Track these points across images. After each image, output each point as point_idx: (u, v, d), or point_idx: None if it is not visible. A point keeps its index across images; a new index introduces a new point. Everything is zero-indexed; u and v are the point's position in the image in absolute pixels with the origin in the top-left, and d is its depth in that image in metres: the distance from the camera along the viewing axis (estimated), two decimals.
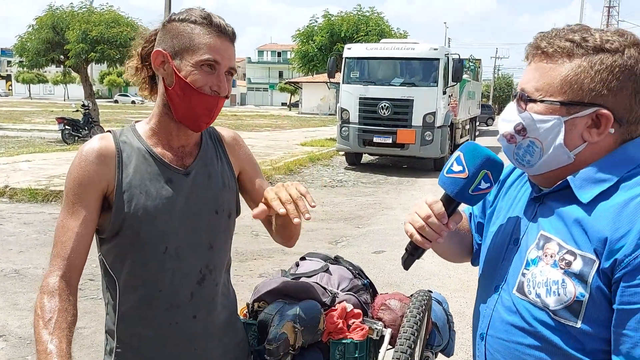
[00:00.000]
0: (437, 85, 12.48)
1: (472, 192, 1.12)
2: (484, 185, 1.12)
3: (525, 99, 1.09)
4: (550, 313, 1.03)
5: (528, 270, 1.08)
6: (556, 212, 1.08)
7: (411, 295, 1.78)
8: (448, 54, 13.05)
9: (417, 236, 1.16)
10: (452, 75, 12.78)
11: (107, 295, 1.44)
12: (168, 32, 1.36)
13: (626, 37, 1.04)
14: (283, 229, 1.48)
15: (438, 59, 12.51)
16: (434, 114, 12.43)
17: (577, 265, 1.01)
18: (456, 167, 1.13)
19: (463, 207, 1.28)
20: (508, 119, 1.13)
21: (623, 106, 1.03)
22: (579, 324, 1.01)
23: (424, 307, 1.63)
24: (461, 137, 16.02)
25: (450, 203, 1.16)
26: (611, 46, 1.02)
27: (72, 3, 19.22)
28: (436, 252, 1.39)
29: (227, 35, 1.36)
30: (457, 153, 1.15)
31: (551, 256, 1.05)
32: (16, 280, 5.01)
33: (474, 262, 1.42)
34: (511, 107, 1.13)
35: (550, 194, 1.12)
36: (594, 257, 0.99)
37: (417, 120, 12.46)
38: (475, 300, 1.27)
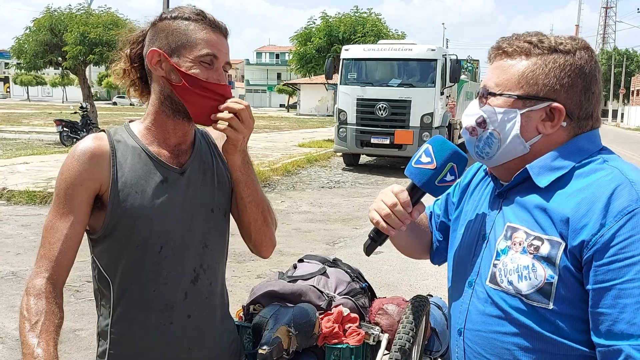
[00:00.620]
0: (434, 86, 12.48)
1: (438, 183, 1.20)
2: (449, 177, 1.21)
3: (485, 94, 1.18)
4: (523, 298, 1.09)
5: (499, 260, 1.15)
6: (519, 203, 1.16)
7: (409, 300, 1.77)
8: (446, 54, 13.06)
9: (383, 223, 1.24)
10: (450, 76, 12.80)
11: (100, 297, 1.43)
12: (161, 31, 1.36)
13: (577, 41, 1.16)
14: (249, 233, 1.50)
15: (436, 60, 12.52)
16: (431, 114, 12.43)
17: (545, 249, 1.07)
18: (425, 159, 1.21)
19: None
20: (471, 113, 1.22)
21: (574, 102, 1.13)
22: (550, 306, 1.06)
23: (420, 313, 1.62)
24: (459, 137, 16.03)
25: (415, 193, 1.23)
26: (564, 48, 1.13)
27: (70, 5, 19.21)
28: (396, 247, 1.47)
29: (220, 30, 1.37)
30: (425, 145, 1.23)
31: (519, 244, 1.11)
32: (13, 282, 5.00)
33: (434, 260, 1.50)
34: (474, 103, 1.23)
35: (513, 188, 1.19)
36: (559, 239, 1.06)
37: (414, 121, 12.47)
38: (449, 300, 1.33)
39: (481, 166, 1.39)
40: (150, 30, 1.39)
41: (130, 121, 1.47)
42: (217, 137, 1.53)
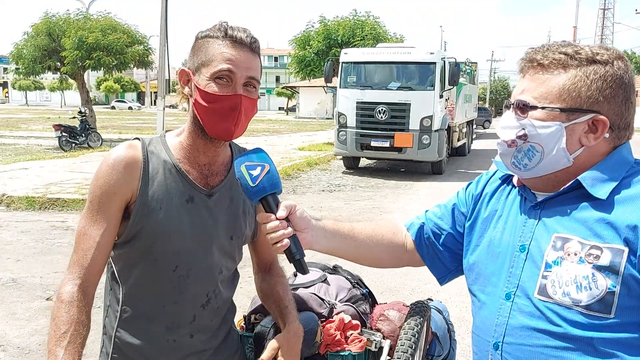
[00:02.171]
0: (434, 89, 12.50)
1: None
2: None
3: (525, 107, 1.16)
4: (583, 309, 1.07)
5: (550, 271, 1.12)
6: (567, 213, 1.14)
7: (410, 305, 1.77)
8: (444, 57, 13.08)
9: (276, 246, 1.23)
10: (449, 78, 12.83)
11: (110, 299, 1.44)
12: (193, 50, 1.36)
13: (612, 51, 1.15)
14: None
15: (434, 63, 12.54)
16: (431, 117, 12.45)
17: (605, 258, 1.06)
18: (255, 172, 1.23)
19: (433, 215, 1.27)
20: (508, 126, 1.20)
21: (615, 113, 1.13)
22: (612, 315, 1.05)
23: (422, 318, 1.62)
24: (458, 140, 16.04)
25: (264, 205, 1.25)
26: (602, 58, 1.13)
27: (68, 9, 19.22)
28: (345, 258, 1.44)
29: (243, 44, 1.32)
30: (241, 168, 1.24)
31: (575, 254, 1.09)
32: (14, 289, 4.99)
33: (439, 273, 1.45)
34: (509, 115, 1.20)
35: (555, 198, 1.17)
36: (622, 247, 1.05)
37: (414, 124, 12.48)
38: (478, 311, 1.28)
39: (493, 175, 1.37)
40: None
41: (167, 131, 1.46)
42: None
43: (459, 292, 5.08)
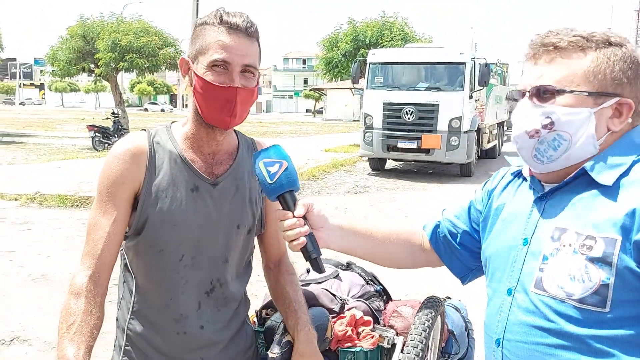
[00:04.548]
0: (463, 90, 12.33)
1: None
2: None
3: (547, 93, 1.08)
4: (576, 303, 1.02)
5: (546, 263, 1.07)
6: (569, 203, 1.09)
7: (422, 301, 1.74)
8: (474, 58, 12.90)
9: (292, 244, 1.22)
10: (479, 79, 12.63)
11: (123, 291, 1.45)
12: (192, 38, 1.36)
13: (617, 34, 1.11)
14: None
15: (464, 63, 12.37)
16: (460, 118, 12.27)
17: (598, 249, 1.00)
18: (273, 169, 1.21)
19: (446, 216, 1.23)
20: (528, 115, 1.11)
21: (636, 95, 1.08)
22: (607, 309, 0.99)
23: (434, 313, 1.58)
24: (488, 142, 15.79)
25: (282, 202, 1.24)
26: (615, 40, 1.08)
27: (102, 13, 19.68)
28: (380, 263, 1.43)
29: (240, 31, 1.30)
30: (259, 165, 1.23)
31: (570, 245, 1.04)
32: (43, 284, 5.11)
33: (461, 274, 1.43)
34: (526, 104, 1.12)
35: (562, 188, 1.12)
36: (616, 235, 0.99)
37: (442, 125, 12.32)
38: (486, 307, 1.25)
39: (508, 171, 1.32)
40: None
41: (173, 122, 1.47)
42: None
43: (482, 292, 4.99)
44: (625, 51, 1.07)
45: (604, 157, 1.08)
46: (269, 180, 1.21)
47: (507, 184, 1.30)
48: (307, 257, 1.23)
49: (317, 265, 1.24)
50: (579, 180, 1.10)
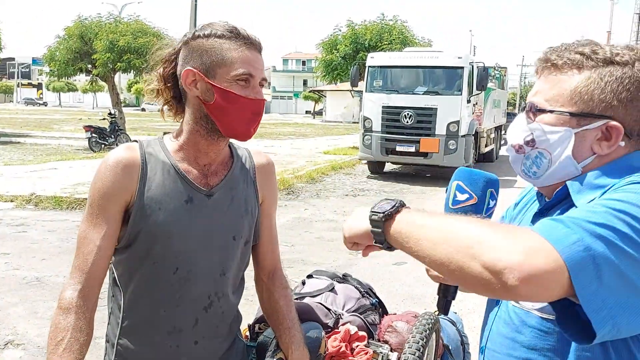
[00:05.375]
0: (461, 94, 12.35)
1: (485, 213, 1.12)
2: (492, 203, 1.14)
3: (534, 110, 1.10)
4: (538, 312, 1.04)
5: None
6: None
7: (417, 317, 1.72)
8: (472, 62, 12.92)
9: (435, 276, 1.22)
10: (477, 83, 12.65)
11: (112, 305, 1.43)
12: (194, 50, 1.33)
13: (636, 51, 1.05)
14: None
15: (462, 68, 12.39)
16: (458, 122, 12.29)
17: None
18: (461, 197, 1.12)
19: None
20: (517, 129, 1.14)
21: (633, 118, 1.03)
22: None
23: (428, 331, 1.56)
24: (486, 145, 15.80)
25: None
26: (621, 59, 1.03)
27: (99, 13, 19.67)
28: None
29: (255, 46, 1.34)
30: (455, 182, 1.14)
31: None
32: (37, 288, 5.07)
33: None
34: (520, 118, 1.14)
35: (555, 205, 1.11)
36: None
37: (440, 128, 12.34)
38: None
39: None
40: (183, 49, 1.35)
41: (165, 133, 1.45)
42: (262, 166, 1.51)
43: (483, 302, 4.98)
44: (626, 71, 1.02)
45: (591, 176, 1.04)
46: (450, 204, 1.14)
47: (524, 196, 1.31)
48: (444, 296, 1.23)
49: (446, 307, 1.24)
50: (567, 198, 1.08)
